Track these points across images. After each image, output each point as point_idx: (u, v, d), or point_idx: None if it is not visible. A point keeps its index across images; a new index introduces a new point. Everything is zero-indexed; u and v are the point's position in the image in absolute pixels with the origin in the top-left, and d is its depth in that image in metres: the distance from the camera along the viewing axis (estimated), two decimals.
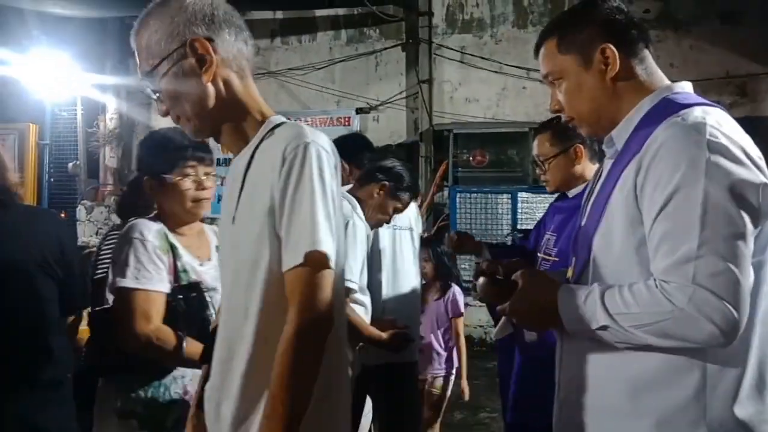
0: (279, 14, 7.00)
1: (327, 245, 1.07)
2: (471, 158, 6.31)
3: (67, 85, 6.62)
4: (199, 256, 1.76)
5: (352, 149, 2.64)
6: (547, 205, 2.49)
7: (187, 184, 1.72)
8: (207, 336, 1.44)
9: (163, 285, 1.64)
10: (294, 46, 7.04)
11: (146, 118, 7.32)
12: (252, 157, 1.15)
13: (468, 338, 6.12)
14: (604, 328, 1.08)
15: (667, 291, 1.02)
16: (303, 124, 1.19)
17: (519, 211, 6.02)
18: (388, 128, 6.68)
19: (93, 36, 7.06)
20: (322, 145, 1.12)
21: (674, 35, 6.14)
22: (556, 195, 2.31)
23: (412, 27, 6.56)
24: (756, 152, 1.09)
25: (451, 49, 6.56)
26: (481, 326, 6.07)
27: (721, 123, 1.08)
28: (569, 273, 1.25)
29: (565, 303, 1.13)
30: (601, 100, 1.21)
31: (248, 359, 1.11)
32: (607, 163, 1.24)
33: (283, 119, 1.21)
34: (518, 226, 5.84)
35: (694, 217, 1.02)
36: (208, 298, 1.70)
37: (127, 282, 1.61)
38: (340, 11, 6.80)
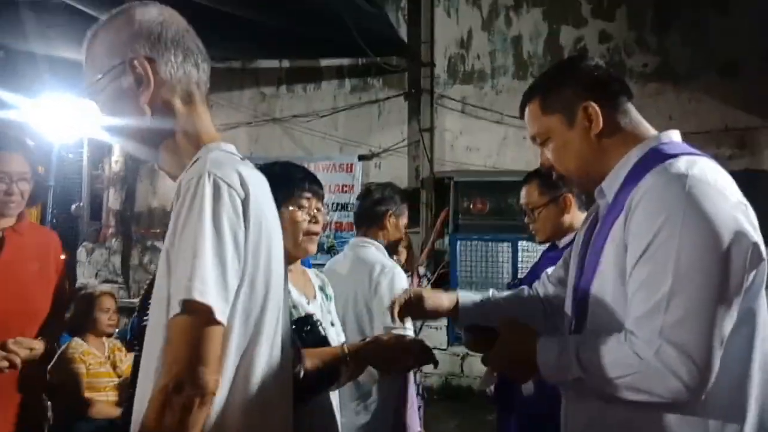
0: (285, 63, 7.15)
1: (210, 295, 0.92)
2: (472, 206, 6.33)
3: (74, 128, 6.71)
4: (306, 294, 1.74)
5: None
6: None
7: (302, 215, 1.66)
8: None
9: None
10: (299, 94, 7.16)
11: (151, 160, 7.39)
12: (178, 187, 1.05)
13: (468, 389, 6.02)
14: (578, 379, 1.08)
15: (634, 344, 1.03)
16: (223, 155, 1.07)
17: (519, 259, 6.00)
18: (390, 175, 6.72)
19: None
20: (224, 177, 0.98)
21: (673, 88, 6.25)
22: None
23: (414, 77, 6.69)
24: (742, 201, 1.09)
25: (453, 99, 6.68)
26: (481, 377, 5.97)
27: (706, 173, 1.08)
28: (572, 327, 1.25)
29: (542, 354, 1.13)
30: (588, 156, 1.23)
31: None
32: (601, 215, 1.25)
33: (218, 148, 1.09)
34: (518, 275, 5.82)
35: (666, 269, 1.02)
36: (321, 331, 1.61)
37: None
38: (345, 61, 6.95)
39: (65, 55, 6.01)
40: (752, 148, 6.12)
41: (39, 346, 1.84)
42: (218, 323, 0.95)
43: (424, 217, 6.48)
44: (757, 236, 1.05)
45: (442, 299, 1.49)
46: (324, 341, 1.58)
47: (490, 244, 6.16)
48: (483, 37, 6.69)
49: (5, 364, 1.75)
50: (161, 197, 7.30)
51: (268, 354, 1.06)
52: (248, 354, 1.03)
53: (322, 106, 6.99)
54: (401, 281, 2.20)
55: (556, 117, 1.24)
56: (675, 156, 1.13)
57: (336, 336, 1.73)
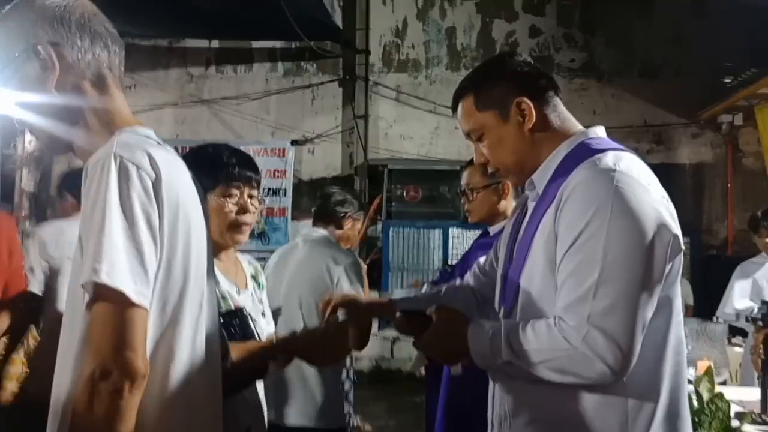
0: (215, 43, 6.94)
1: (118, 278, 0.90)
2: (404, 193, 6.39)
3: None
4: (237, 283, 1.65)
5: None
6: None
7: (229, 205, 1.57)
8: None
9: None
10: (229, 76, 6.98)
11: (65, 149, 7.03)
12: None
13: (397, 372, 6.11)
14: (508, 363, 1.12)
15: (563, 330, 1.08)
16: (135, 137, 1.04)
17: (450, 246, 6.12)
18: (323, 161, 6.69)
19: None
20: (131, 158, 0.96)
21: (597, 84, 6.51)
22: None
23: (349, 64, 6.65)
24: (664, 195, 1.16)
25: (387, 87, 6.69)
26: (410, 361, 6.06)
27: (632, 168, 1.14)
28: (501, 314, 1.28)
29: (474, 338, 1.16)
30: (522, 151, 1.27)
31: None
32: (530, 206, 1.29)
33: (132, 131, 1.06)
34: (449, 261, 5.93)
35: (595, 259, 1.07)
36: (251, 325, 1.57)
37: None
38: (278, 44, 6.82)
39: None
40: (668, 144, 6.48)
41: None
42: (137, 306, 0.93)
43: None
44: (677, 228, 1.12)
45: (376, 301, 1.51)
46: (252, 337, 1.55)
47: (422, 230, 6.24)
48: (418, 26, 6.73)
49: None
50: None
51: (190, 346, 1.04)
52: (166, 344, 1.00)
53: (253, 89, 6.84)
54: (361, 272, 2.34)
55: (490, 113, 1.26)
56: (602, 151, 1.17)
57: (266, 326, 1.69)
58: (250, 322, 1.57)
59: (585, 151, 1.19)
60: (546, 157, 1.25)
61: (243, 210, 1.59)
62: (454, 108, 1.33)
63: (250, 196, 1.61)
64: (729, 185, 6.37)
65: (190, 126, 6.84)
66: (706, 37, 6.00)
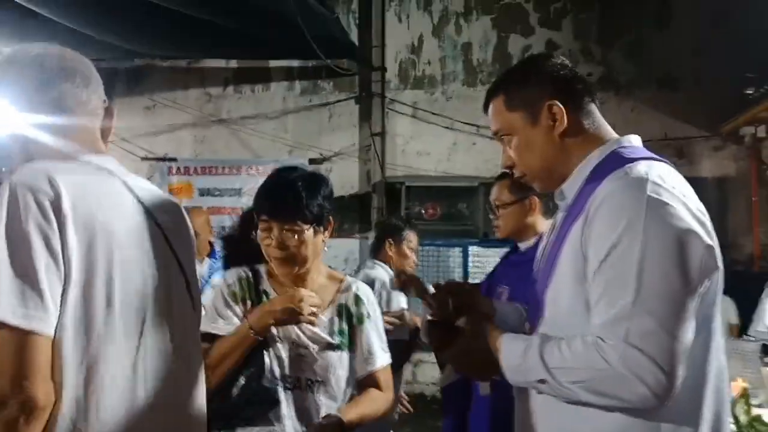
0: (232, 63, 7.00)
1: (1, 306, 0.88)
2: (423, 211, 6.34)
3: (5, 125, 6.37)
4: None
5: None
6: (498, 259, 2.52)
7: (265, 239, 1.61)
8: None
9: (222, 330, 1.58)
10: (247, 95, 7.02)
11: None
12: None
13: (420, 396, 6.01)
14: (542, 381, 1.06)
15: (602, 348, 1.01)
16: (44, 164, 1.04)
17: (470, 264, 6.05)
18: (340, 179, 6.67)
19: None
20: (25, 181, 0.95)
21: (615, 98, 6.43)
22: (506, 250, 2.33)
23: (365, 81, 6.66)
24: (700, 207, 1.10)
25: (404, 104, 6.68)
26: (434, 384, 5.97)
27: (665, 178, 1.08)
28: (527, 329, 1.23)
29: (506, 354, 1.11)
30: (550, 155, 1.22)
31: None
32: (560, 216, 1.24)
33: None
34: (469, 280, 5.86)
35: (630, 275, 1.01)
36: (264, 356, 1.56)
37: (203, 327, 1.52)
38: (294, 63, 6.85)
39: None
40: (690, 157, 6.37)
41: None
42: (31, 332, 0.89)
43: (376, 221, 6.45)
44: (713, 243, 1.06)
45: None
46: (256, 364, 1.58)
47: (441, 249, 6.18)
48: (433, 43, 6.72)
49: None
50: None
51: (129, 375, 0.99)
52: (95, 372, 0.95)
53: (270, 108, 6.87)
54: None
55: (519, 114, 1.22)
56: (635, 160, 1.12)
57: (323, 356, 1.63)
58: (265, 353, 1.55)
59: (616, 160, 1.14)
60: (576, 164, 1.20)
61: (280, 245, 1.57)
62: (486, 107, 1.29)
63: (289, 230, 1.57)
64: (753, 199, 6.24)
65: (209, 145, 6.88)
66: (726, 47, 5.91)
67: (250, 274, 1.68)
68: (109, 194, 1.07)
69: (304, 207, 1.58)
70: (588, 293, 1.07)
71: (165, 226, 1.15)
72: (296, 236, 1.57)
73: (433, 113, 6.59)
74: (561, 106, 1.19)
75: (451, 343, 1.17)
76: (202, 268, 3.88)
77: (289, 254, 1.59)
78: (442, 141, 6.58)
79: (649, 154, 1.17)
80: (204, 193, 6.70)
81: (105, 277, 0.98)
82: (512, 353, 1.10)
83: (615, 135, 1.23)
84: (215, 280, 3.84)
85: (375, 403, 1.65)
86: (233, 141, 6.84)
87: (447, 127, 6.56)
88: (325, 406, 1.57)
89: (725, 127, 6.13)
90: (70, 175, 1.00)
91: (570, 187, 1.20)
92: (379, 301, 2.47)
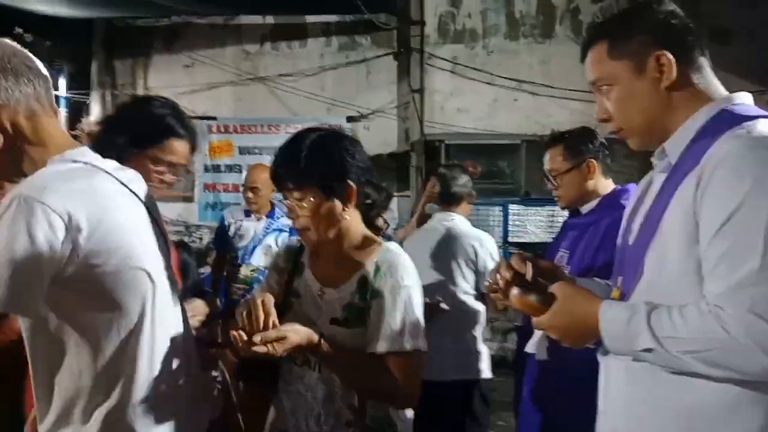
0: (269, 19, 6.91)
1: None
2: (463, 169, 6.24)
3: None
4: (329, 284, 1.54)
5: None
6: (539, 217, 2.49)
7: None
8: None
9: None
10: (284, 52, 6.95)
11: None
12: None
13: None
14: (648, 350, 1.00)
15: (721, 318, 0.95)
16: (57, 169, 1.18)
17: (510, 223, 5.96)
18: (379, 137, 6.60)
19: (79, 36, 6.93)
20: (45, 201, 1.09)
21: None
22: (549, 208, 2.27)
23: (403, 36, 6.50)
24: None
25: (443, 59, 6.51)
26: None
27: None
28: (615, 294, 1.17)
29: (607, 320, 1.05)
30: (654, 110, 1.14)
31: None
32: (659, 177, 1.17)
33: (62, 159, 1.20)
34: (509, 239, 5.79)
35: (756, 239, 0.95)
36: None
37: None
38: (332, 18, 6.73)
39: (40, 9, 5.75)
40: None
41: None
42: None
43: (415, 181, 6.39)
44: None
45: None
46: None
47: (480, 207, 6.10)
48: None
49: None
50: None
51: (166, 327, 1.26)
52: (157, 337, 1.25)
53: (308, 65, 6.79)
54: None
55: (623, 63, 1.14)
56: (752, 118, 1.05)
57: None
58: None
59: (731, 119, 1.06)
60: (681, 121, 1.12)
61: (290, 214, 1.51)
62: (584, 53, 1.21)
63: (295, 198, 1.46)
64: None
65: (248, 104, 6.87)
66: None
67: (300, 244, 1.63)
68: (108, 194, 1.21)
69: (302, 173, 1.44)
70: (701, 258, 1.01)
71: (150, 207, 1.32)
72: (304, 203, 1.45)
73: (474, 68, 6.42)
74: (670, 57, 1.11)
75: (542, 310, 1.11)
76: (258, 225, 3.89)
77: (300, 224, 1.48)
78: (483, 97, 6.42)
79: (764, 112, 1.09)
80: (244, 151, 6.72)
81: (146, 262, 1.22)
82: (615, 320, 1.04)
83: (725, 92, 1.15)
84: (269, 240, 3.86)
85: (377, 374, 1.44)
86: (271, 99, 6.81)
87: (487, 83, 6.39)
88: (336, 383, 1.47)
89: None
90: (77, 184, 1.15)
91: (674, 145, 1.12)
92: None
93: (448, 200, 2.96)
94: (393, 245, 1.56)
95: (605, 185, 2.06)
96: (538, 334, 1.23)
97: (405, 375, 1.44)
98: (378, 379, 1.45)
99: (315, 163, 1.44)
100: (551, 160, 2.12)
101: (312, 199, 1.44)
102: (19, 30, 5.57)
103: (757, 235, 0.95)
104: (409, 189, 6.40)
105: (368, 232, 1.56)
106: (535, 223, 5.52)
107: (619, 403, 1.13)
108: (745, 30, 6.02)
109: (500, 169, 6.26)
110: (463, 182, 2.99)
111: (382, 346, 1.44)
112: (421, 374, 1.49)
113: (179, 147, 1.70)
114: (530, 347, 1.28)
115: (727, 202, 0.98)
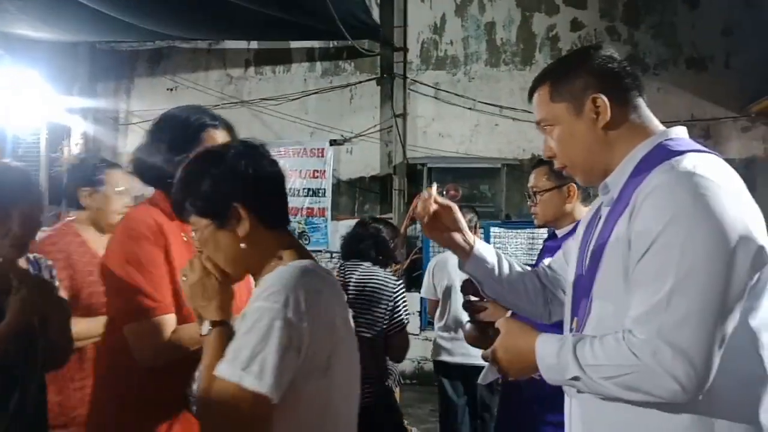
0: (254, 44, 6.98)
1: None
2: (444, 192, 6.28)
3: (32, 109, 6.45)
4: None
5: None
6: (520, 240, 2.54)
7: None
8: None
9: None
10: (268, 77, 7.01)
11: (113, 143, 7.17)
12: None
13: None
14: (576, 378, 1.06)
15: (632, 344, 1.00)
16: None
17: (492, 245, 6.01)
18: (362, 161, 6.66)
19: (63, 60, 6.93)
20: None
21: (642, 78, 6.26)
22: (528, 231, 2.33)
23: (387, 62, 6.61)
24: (749, 200, 1.07)
25: (426, 84, 6.62)
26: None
27: (714, 172, 1.06)
28: (574, 324, 1.22)
29: (541, 353, 1.11)
30: (593, 148, 1.20)
31: None
32: (604, 210, 1.22)
33: None
34: None
35: (669, 268, 1.00)
36: None
37: None
38: (316, 44, 6.82)
39: (25, 33, 5.75)
40: (717, 138, 6.24)
41: None
42: None
43: (397, 203, 6.44)
44: (763, 239, 1.03)
45: (459, 234, 1.43)
46: None
47: None
48: (456, 22, 6.64)
49: None
50: None
51: None
52: None
53: (291, 89, 6.86)
54: None
55: (564, 105, 1.21)
56: (682, 153, 1.10)
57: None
58: None
59: (663, 153, 1.12)
60: (620, 158, 1.18)
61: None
62: (531, 95, 1.27)
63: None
64: None
65: None
66: (755, 27, 5.76)
67: None
68: None
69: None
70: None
71: None
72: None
73: (456, 94, 6.53)
74: (605, 99, 1.16)
75: (488, 343, 1.20)
76: None
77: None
78: (465, 122, 6.52)
79: (696, 146, 1.14)
80: None
81: None
82: (547, 353, 1.10)
83: (662, 127, 1.20)
84: None
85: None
86: (255, 123, 6.85)
87: (469, 108, 6.50)
88: None
89: (754, 107, 5.99)
90: None
91: (615, 181, 1.18)
92: None
93: None
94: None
95: (581, 211, 2.13)
96: (487, 365, 1.29)
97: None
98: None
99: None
100: (536, 178, 2.21)
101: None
102: (0, 52, 5.57)
103: (671, 265, 0.99)
104: (391, 211, 6.44)
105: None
106: (516, 245, 5.58)
107: (579, 427, 1.19)
108: (721, 57, 6.20)
109: (481, 193, 6.34)
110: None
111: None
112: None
113: (217, 135, 1.66)
114: (481, 379, 1.35)
115: (648, 233, 1.03)
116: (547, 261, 1.53)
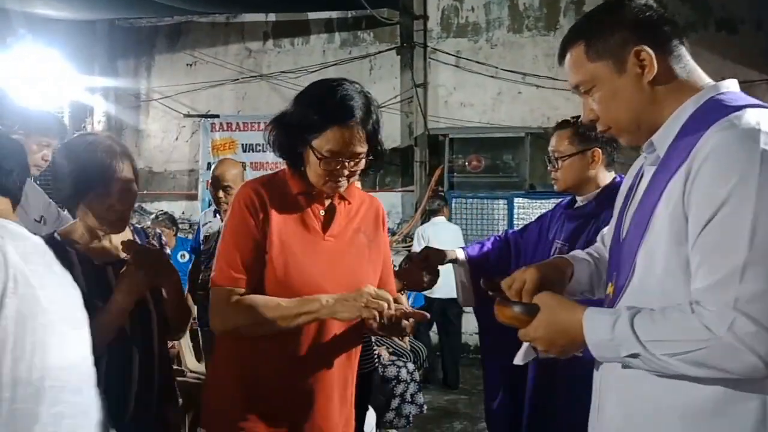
0: (271, 16, 6.90)
1: None
2: (467, 163, 6.21)
3: (54, 88, 6.48)
4: None
5: None
6: (544, 210, 2.40)
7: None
8: None
9: None
10: (286, 49, 6.94)
11: (135, 120, 7.20)
12: None
13: (464, 346, 6.05)
14: (634, 355, 0.99)
15: (704, 317, 0.93)
16: None
17: (515, 216, 5.94)
18: (383, 132, 6.58)
19: (82, 38, 6.93)
20: None
21: None
22: (554, 201, 2.22)
23: (406, 30, 6.48)
24: None
25: (447, 53, 6.49)
26: (477, 333, 5.98)
27: None
28: (609, 289, 1.16)
29: (590, 329, 1.04)
30: (640, 106, 1.12)
31: None
32: (648, 170, 1.15)
33: None
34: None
35: (741, 236, 0.92)
36: None
37: None
38: (334, 14, 6.71)
39: (44, 12, 5.75)
40: None
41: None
42: None
43: (418, 175, 6.38)
44: None
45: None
46: None
47: (485, 201, 6.08)
48: None
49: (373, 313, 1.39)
50: (146, 159, 7.13)
51: None
52: None
53: (310, 61, 6.78)
54: None
55: (603, 63, 1.13)
56: (739, 108, 1.02)
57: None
58: None
59: (718, 109, 1.04)
60: (668, 114, 1.10)
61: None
62: (561, 58, 1.19)
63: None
64: None
65: (251, 101, 6.87)
66: None
67: None
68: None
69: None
70: (689, 255, 0.99)
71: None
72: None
73: (477, 62, 6.40)
74: (650, 51, 1.09)
75: (529, 321, 1.11)
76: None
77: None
78: (487, 91, 6.40)
79: (753, 101, 1.06)
80: (247, 148, 6.73)
81: None
82: (598, 328, 1.02)
83: (710, 80, 1.12)
84: None
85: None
86: (274, 96, 6.80)
87: (491, 76, 6.36)
88: None
89: None
90: None
91: (662, 139, 1.10)
92: None
93: None
94: None
95: (605, 177, 2.03)
96: (525, 345, 1.22)
97: None
98: None
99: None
100: (557, 142, 2.08)
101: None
102: (22, 31, 5.58)
103: (742, 231, 0.93)
104: (413, 184, 6.39)
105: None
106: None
107: (614, 404, 1.13)
108: (753, 19, 5.97)
109: (504, 163, 6.23)
110: None
111: None
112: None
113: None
114: (518, 359, 1.26)
115: (713, 197, 0.96)
116: (605, 230, 1.45)
